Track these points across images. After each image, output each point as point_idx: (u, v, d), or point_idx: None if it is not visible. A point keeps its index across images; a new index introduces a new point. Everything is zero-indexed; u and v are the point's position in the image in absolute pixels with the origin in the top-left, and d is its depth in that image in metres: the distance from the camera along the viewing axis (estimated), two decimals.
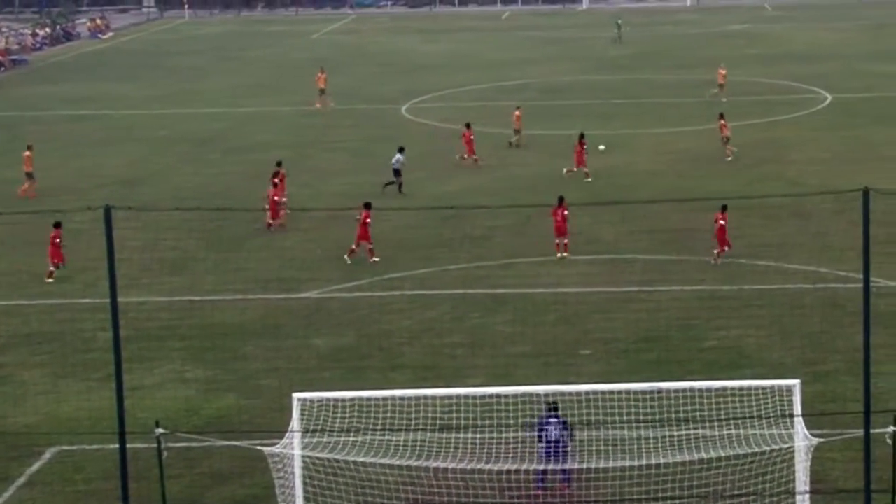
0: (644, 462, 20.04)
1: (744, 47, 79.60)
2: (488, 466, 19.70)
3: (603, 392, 20.47)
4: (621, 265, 33.27)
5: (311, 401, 19.59)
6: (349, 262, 33.56)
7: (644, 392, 20.74)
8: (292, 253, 33.86)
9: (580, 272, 32.86)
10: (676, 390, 20.96)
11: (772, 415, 20.57)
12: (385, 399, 20.24)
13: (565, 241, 33.80)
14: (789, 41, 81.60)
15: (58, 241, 33.33)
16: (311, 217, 38.06)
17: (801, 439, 19.63)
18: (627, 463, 20.12)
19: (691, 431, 20.57)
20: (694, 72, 69.59)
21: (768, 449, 19.58)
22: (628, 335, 28.12)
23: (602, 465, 20.15)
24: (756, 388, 21.03)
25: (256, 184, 45.29)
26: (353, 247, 33.72)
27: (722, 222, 32.98)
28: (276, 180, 39.17)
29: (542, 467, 20.33)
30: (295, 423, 19.03)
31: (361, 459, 19.55)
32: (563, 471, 20.39)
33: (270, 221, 37.75)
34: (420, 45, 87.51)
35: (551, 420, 20.39)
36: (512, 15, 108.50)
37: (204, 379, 26.44)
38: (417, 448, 19.83)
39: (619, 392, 20.47)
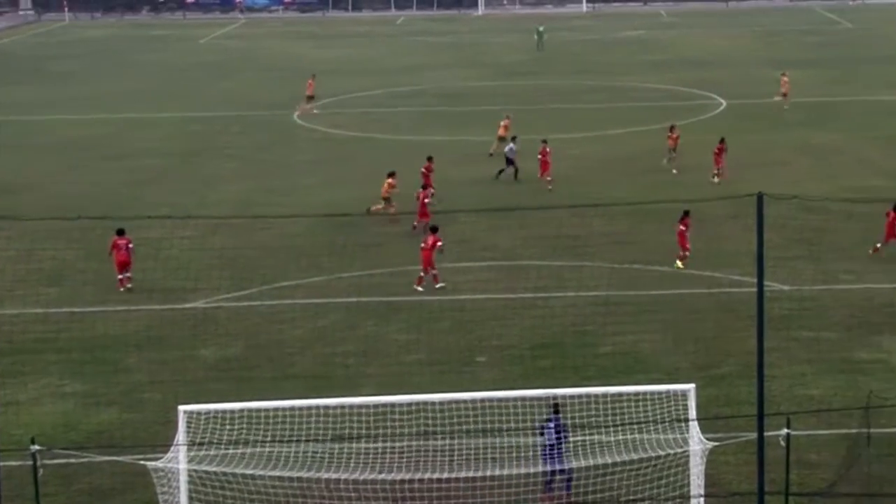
0: (540, 468, 20.24)
1: (639, 53, 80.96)
2: (381, 476, 19.68)
3: (498, 399, 20.66)
4: (517, 272, 33.52)
5: (198, 413, 19.37)
6: (419, 289, 32.20)
7: (539, 398, 20.98)
8: (178, 262, 33.40)
9: (476, 279, 33.04)
10: (572, 396, 21.27)
11: (667, 419, 20.95)
12: (275, 410, 20.10)
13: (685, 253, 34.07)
14: (685, 47, 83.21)
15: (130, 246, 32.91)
16: (196, 225, 37.62)
17: (696, 443, 20.07)
18: (523, 470, 20.30)
19: (587, 437, 20.82)
20: (590, 77, 70.55)
21: (663, 453, 19.94)
22: (524, 342, 28.33)
23: (498, 472, 20.29)
24: (651, 393, 21.41)
25: (139, 190, 44.79)
26: (421, 274, 32.32)
27: None
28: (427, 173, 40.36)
29: (543, 470, 20.48)
30: (180, 435, 18.79)
31: (250, 472, 19.38)
32: (567, 479, 20.48)
33: (416, 224, 36.88)
34: (312, 50, 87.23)
35: (549, 423, 20.54)
36: (407, 20, 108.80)
37: (83, 393, 25.95)
38: (309, 459, 19.73)
39: (515, 399, 20.69)
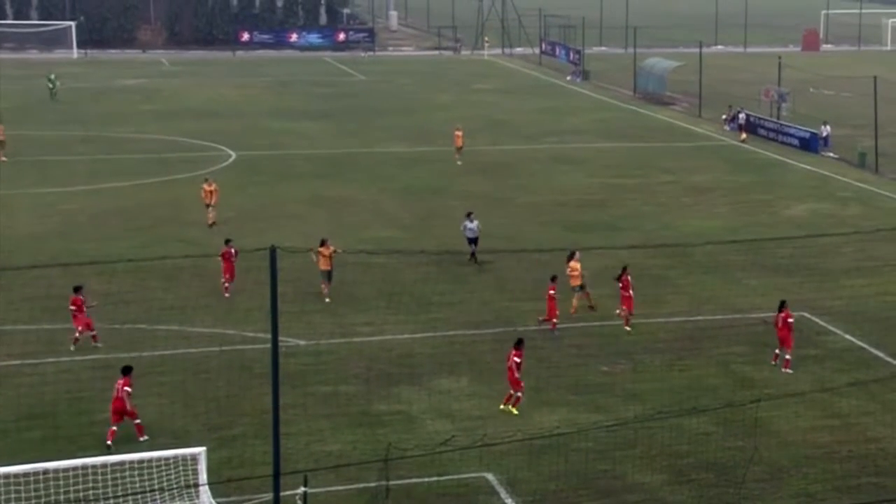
0: None
1: (139, 103, 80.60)
2: None
3: None
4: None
5: None
6: None
7: (27, 474, 20.45)
8: None
9: None
10: (66, 469, 20.90)
11: (175, 486, 20.96)
12: None
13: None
14: (189, 97, 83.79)
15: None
16: None
17: None
18: None
19: None
20: (84, 127, 69.31)
21: None
22: (9, 414, 27.35)
23: None
24: (158, 460, 21.48)
25: None
26: None
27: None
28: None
29: None
30: None
31: None
32: None
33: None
34: None
35: None
36: None
37: None
38: None
39: None
